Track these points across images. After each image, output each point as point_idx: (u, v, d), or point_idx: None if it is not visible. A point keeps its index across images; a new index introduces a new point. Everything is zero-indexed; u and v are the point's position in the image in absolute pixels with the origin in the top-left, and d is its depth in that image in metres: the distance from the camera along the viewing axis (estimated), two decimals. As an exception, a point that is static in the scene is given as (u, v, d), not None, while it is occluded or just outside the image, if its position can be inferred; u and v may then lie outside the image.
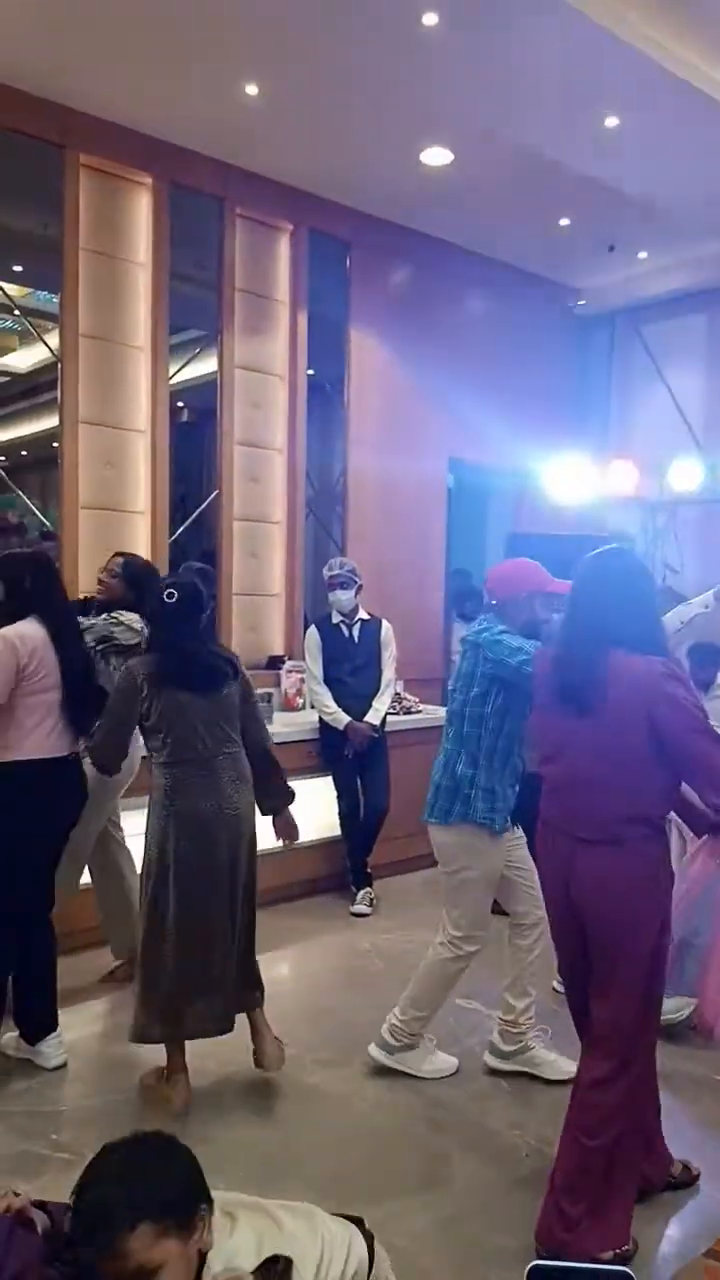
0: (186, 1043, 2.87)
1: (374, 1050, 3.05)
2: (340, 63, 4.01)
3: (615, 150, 4.66)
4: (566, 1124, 2.28)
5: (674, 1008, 3.24)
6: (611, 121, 4.40)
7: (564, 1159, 2.25)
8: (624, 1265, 2.18)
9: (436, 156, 4.84)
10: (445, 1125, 2.81)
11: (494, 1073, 3.06)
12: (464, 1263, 2.22)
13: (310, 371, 5.48)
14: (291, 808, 3.09)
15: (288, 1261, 1.39)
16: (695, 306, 6.49)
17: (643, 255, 6.24)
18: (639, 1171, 2.35)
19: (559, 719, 2.26)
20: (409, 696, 5.45)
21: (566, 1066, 2.87)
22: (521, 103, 4.30)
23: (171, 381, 4.95)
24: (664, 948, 2.24)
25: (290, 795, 3.07)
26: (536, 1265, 0.72)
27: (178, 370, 5.05)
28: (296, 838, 3.13)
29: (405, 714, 5.28)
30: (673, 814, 2.37)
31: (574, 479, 6.13)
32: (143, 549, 4.84)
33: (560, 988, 2.59)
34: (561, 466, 6.14)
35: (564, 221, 5.69)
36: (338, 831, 4.75)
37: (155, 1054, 2.91)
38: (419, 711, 5.41)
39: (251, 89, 4.21)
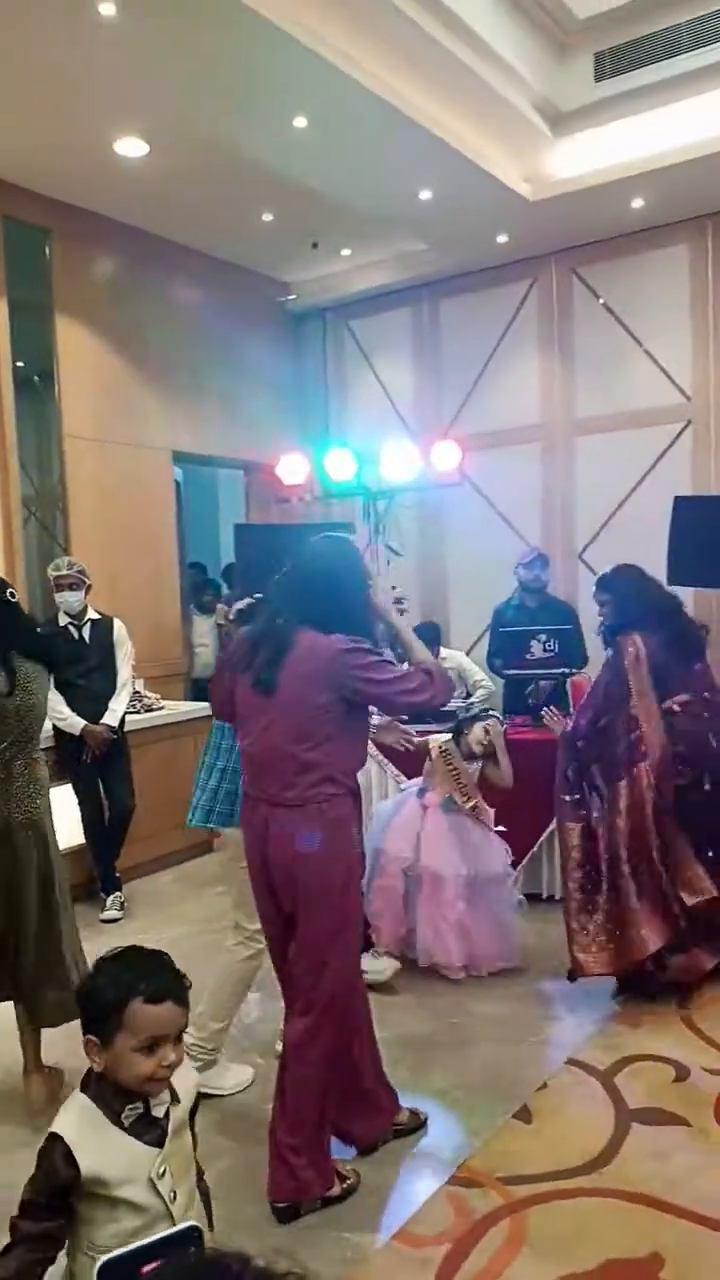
0: None
1: None
2: (14, 46, 3.83)
3: (305, 150, 4.78)
4: (278, 1083, 2.41)
5: (378, 968, 3.49)
6: (300, 122, 4.52)
7: (281, 1117, 2.38)
8: (350, 1196, 2.35)
9: (131, 147, 4.77)
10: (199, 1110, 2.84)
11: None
12: (228, 1235, 2.28)
13: (19, 364, 5.24)
14: None
15: None
16: (397, 302, 6.84)
17: (345, 252, 6.49)
18: (333, 1114, 2.49)
19: (249, 697, 2.39)
20: (149, 694, 5.40)
21: None
22: (210, 97, 4.31)
23: None
24: (349, 909, 2.39)
25: None
26: (104, 1262, 0.80)
27: None
28: None
29: (146, 711, 5.23)
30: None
31: (297, 469, 6.30)
32: None
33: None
34: (285, 457, 6.29)
35: (267, 217, 5.80)
36: (83, 839, 4.63)
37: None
38: (160, 708, 5.37)
39: None
